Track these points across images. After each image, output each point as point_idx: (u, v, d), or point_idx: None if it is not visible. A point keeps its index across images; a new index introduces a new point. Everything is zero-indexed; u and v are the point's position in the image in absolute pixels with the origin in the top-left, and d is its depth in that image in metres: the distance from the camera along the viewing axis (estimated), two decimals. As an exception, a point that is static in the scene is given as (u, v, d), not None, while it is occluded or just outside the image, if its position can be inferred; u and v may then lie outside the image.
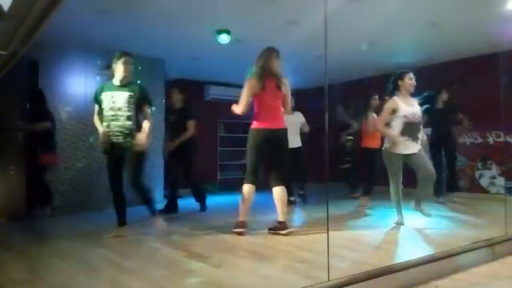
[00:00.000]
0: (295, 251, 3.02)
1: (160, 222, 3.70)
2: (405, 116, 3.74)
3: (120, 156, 3.47)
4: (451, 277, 2.64)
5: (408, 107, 3.78)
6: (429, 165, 3.83)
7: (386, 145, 3.87)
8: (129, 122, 3.45)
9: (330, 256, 2.36)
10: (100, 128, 3.51)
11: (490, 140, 5.91)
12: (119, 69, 3.46)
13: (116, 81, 3.51)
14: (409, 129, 3.74)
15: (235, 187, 7.97)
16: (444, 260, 2.72)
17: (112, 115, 3.44)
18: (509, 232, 3.33)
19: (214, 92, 7.73)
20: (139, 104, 3.52)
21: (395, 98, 3.82)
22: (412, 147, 3.75)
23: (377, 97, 5.17)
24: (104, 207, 5.14)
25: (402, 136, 3.74)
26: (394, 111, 3.78)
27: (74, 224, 4.40)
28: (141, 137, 3.41)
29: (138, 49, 4.86)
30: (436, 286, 2.48)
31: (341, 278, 2.22)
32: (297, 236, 3.53)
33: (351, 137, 6.42)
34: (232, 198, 6.72)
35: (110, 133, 3.44)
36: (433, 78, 6.04)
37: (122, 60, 3.45)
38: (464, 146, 6.17)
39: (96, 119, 3.62)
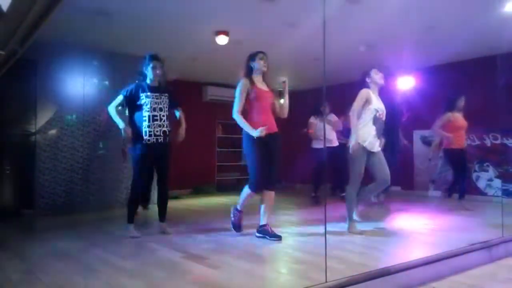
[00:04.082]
0: (292, 252, 3.02)
1: (167, 228, 3.70)
2: (376, 110, 3.59)
3: (156, 156, 3.53)
4: (449, 278, 2.64)
5: (378, 102, 3.66)
6: (387, 168, 3.63)
7: (353, 140, 3.53)
8: (168, 122, 3.58)
9: (328, 257, 2.37)
10: (121, 123, 3.51)
11: (487, 142, 5.94)
12: (154, 72, 3.56)
13: (154, 82, 3.60)
14: (377, 126, 3.60)
15: (233, 188, 7.99)
16: (441, 262, 2.73)
17: (154, 116, 3.50)
18: (506, 234, 3.34)
19: (213, 93, 7.73)
20: (171, 106, 3.67)
21: (367, 89, 3.66)
22: (377, 145, 3.62)
23: None
24: (103, 208, 5.17)
25: (372, 131, 3.57)
26: (366, 102, 3.59)
27: (70, 225, 4.39)
28: (182, 131, 3.70)
29: (137, 50, 4.87)
30: (434, 287, 2.49)
31: (338, 279, 2.22)
32: (295, 237, 3.54)
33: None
34: (229, 199, 6.73)
35: (150, 133, 3.48)
36: (431, 81, 6.09)
37: (156, 63, 3.57)
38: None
39: (113, 111, 3.55)
